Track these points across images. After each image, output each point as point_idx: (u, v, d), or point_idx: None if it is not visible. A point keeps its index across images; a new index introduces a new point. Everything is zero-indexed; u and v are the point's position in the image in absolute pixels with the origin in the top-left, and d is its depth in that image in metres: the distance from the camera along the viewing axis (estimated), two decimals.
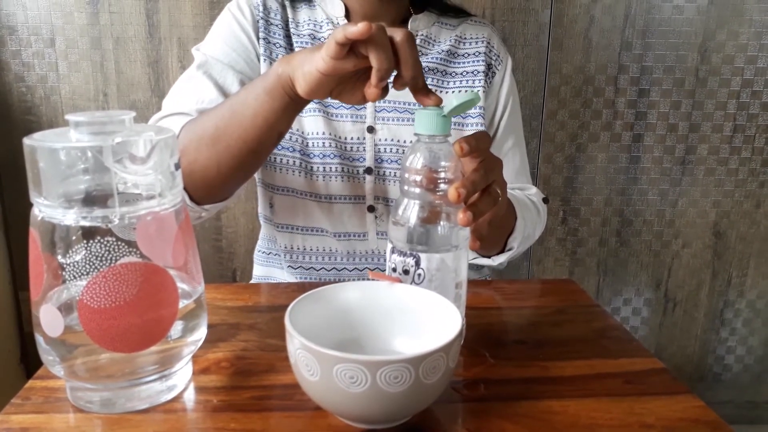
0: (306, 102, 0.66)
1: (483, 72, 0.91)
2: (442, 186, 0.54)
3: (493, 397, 0.53)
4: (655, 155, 1.57)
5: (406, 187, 0.55)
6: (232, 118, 0.68)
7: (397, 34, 0.56)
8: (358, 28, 0.53)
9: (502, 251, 0.83)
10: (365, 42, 0.55)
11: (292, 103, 0.65)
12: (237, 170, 0.72)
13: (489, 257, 0.83)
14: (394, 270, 0.56)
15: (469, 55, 0.92)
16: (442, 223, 0.55)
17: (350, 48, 0.56)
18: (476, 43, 0.93)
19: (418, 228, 0.54)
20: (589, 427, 0.49)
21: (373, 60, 0.55)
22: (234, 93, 0.75)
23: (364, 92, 0.62)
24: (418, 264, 0.55)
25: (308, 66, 0.59)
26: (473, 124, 0.89)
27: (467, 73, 0.91)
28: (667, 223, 1.62)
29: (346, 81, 0.62)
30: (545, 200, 0.95)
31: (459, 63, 0.92)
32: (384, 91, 0.59)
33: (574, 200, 1.60)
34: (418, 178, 0.54)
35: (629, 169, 1.58)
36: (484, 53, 0.92)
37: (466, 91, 0.90)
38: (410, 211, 0.55)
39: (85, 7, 1.38)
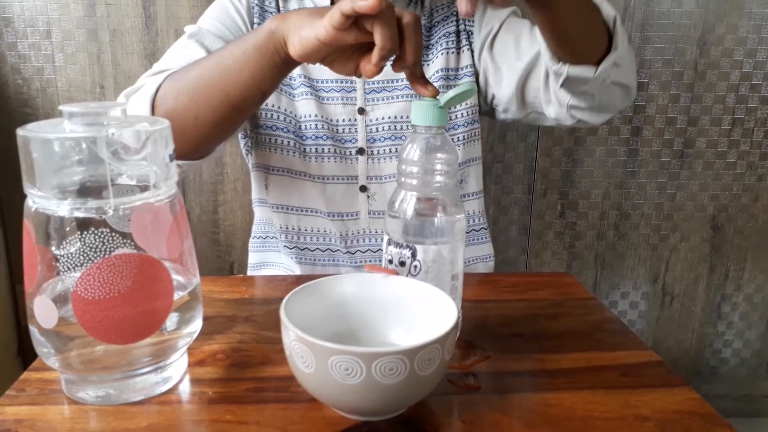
0: (296, 64, 0.65)
1: (454, 33, 0.90)
2: (439, 178, 0.54)
3: (489, 389, 0.53)
4: (653, 148, 1.57)
5: (402, 179, 0.55)
6: (216, 69, 0.67)
7: (404, 16, 0.56)
8: (368, 3, 0.52)
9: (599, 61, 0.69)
10: (372, 18, 0.54)
11: (282, 63, 0.64)
12: (214, 124, 0.70)
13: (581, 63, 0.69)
14: (391, 262, 0.56)
15: (439, 23, 0.92)
16: (438, 214, 0.54)
17: (354, 20, 0.55)
18: (445, 9, 0.92)
19: (414, 220, 0.54)
20: (584, 419, 0.49)
21: (378, 38, 0.54)
22: (220, 47, 0.74)
23: (358, 65, 0.61)
24: (414, 256, 0.55)
25: (307, 31, 0.58)
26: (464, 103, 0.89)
27: (441, 37, 0.91)
28: (665, 216, 1.62)
29: (342, 51, 0.61)
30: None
31: (434, 34, 0.92)
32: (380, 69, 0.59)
33: (572, 193, 1.60)
34: (415, 169, 0.54)
35: (627, 163, 1.58)
36: (453, 14, 0.91)
37: (448, 53, 0.90)
38: (407, 202, 0.55)
39: None
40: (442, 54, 0.90)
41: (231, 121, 0.71)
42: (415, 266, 0.55)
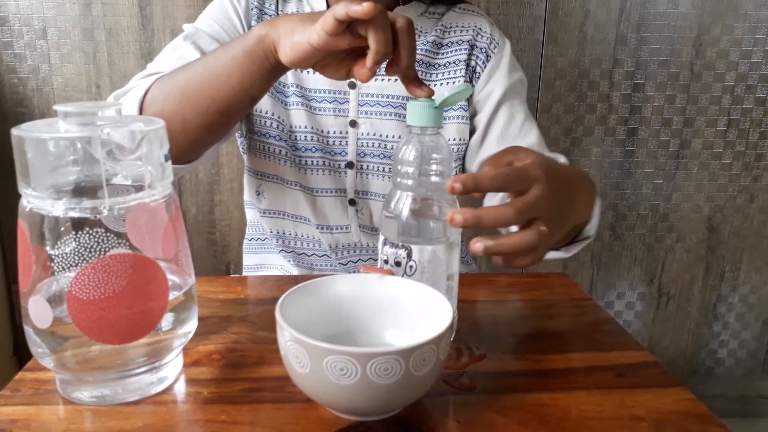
0: (286, 69, 0.64)
1: (464, 61, 0.88)
2: (434, 178, 0.54)
3: (484, 389, 0.53)
4: (649, 149, 1.57)
5: (398, 179, 0.55)
6: (204, 74, 0.66)
7: (398, 20, 0.56)
8: (362, 8, 0.51)
9: (573, 241, 0.70)
10: (366, 22, 0.54)
11: (271, 69, 0.63)
12: (202, 129, 0.69)
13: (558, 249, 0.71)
14: (386, 262, 0.56)
15: (452, 44, 0.89)
16: (434, 215, 0.54)
17: (347, 25, 0.55)
18: (461, 31, 0.89)
19: (410, 220, 0.54)
20: (579, 419, 0.49)
21: (372, 42, 0.54)
22: (211, 50, 0.73)
23: (350, 70, 0.60)
24: (410, 256, 0.55)
25: (299, 36, 0.58)
26: (455, 117, 0.88)
27: (450, 63, 0.89)
28: (660, 217, 1.63)
29: (334, 56, 0.60)
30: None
31: (443, 54, 0.89)
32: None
33: None
34: (410, 170, 0.54)
35: (623, 164, 1.58)
36: (468, 41, 0.88)
37: (453, 82, 0.88)
38: (402, 203, 0.55)
39: None
40: (447, 82, 0.88)
41: (219, 126, 0.70)
42: (411, 266, 0.55)
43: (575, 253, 0.71)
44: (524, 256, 0.51)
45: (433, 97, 0.55)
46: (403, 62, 0.56)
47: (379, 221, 0.91)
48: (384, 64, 0.59)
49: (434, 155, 0.54)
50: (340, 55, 0.60)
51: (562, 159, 0.83)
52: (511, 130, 0.87)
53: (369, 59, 0.56)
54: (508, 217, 0.49)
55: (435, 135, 0.55)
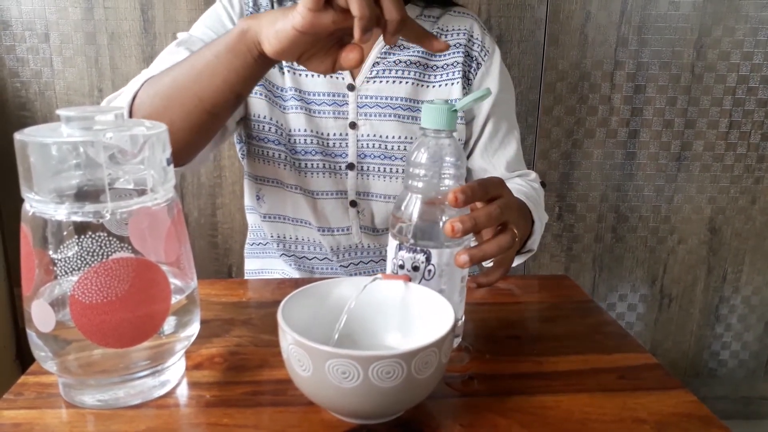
0: (271, 63, 0.63)
1: (461, 63, 0.89)
2: (447, 182, 0.54)
3: (487, 392, 0.53)
4: (650, 151, 1.57)
5: (410, 182, 0.55)
6: (189, 73, 0.65)
7: None
8: None
9: (518, 252, 0.82)
10: None
11: (254, 63, 0.62)
12: (190, 131, 0.68)
13: None
14: (402, 267, 0.56)
15: (449, 47, 0.90)
16: (449, 217, 0.54)
17: (328, 2, 0.54)
18: (457, 34, 0.91)
19: (426, 224, 0.54)
20: (582, 422, 0.49)
21: (355, 7, 0.52)
22: (196, 49, 0.72)
23: (336, 60, 0.60)
24: (428, 260, 0.54)
25: (282, 23, 0.57)
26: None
27: (447, 65, 0.89)
28: (662, 219, 1.63)
29: (319, 47, 0.60)
30: (543, 184, 0.95)
31: (441, 56, 0.90)
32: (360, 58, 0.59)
33: (569, 196, 1.60)
34: (425, 172, 0.54)
35: (625, 165, 1.58)
36: (464, 45, 0.90)
37: (451, 84, 0.89)
38: (415, 206, 0.54)
39: (80, 2, 1.37)
40: (444, 84, 0.89)
41: (206, 127, 0.69)
42: (430, 270, 0.54)
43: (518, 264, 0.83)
44: (496, 270, 0.68)
45: (448, 101, 0.55)
46: (393, 15, 0.54)
47: (381, 222, 0.91)
48: (383, 55, 0.58)
49: (448, 158, 0.54)
50: (325, 46, 0.60)
51: (532, 175, 0.94)
52: (493, 143, 0.93)
53: (356, 28, 0.53)
54: (497, 214, 0.55)
55: (450, 138, 0.54)
